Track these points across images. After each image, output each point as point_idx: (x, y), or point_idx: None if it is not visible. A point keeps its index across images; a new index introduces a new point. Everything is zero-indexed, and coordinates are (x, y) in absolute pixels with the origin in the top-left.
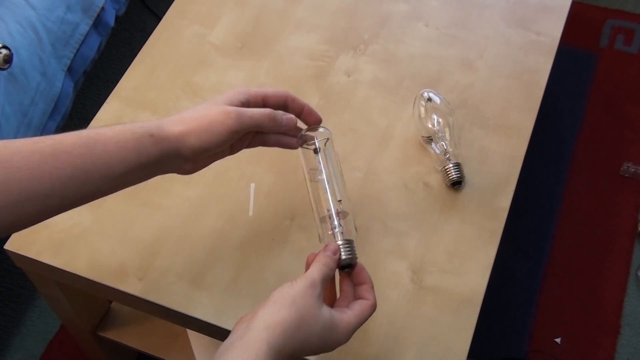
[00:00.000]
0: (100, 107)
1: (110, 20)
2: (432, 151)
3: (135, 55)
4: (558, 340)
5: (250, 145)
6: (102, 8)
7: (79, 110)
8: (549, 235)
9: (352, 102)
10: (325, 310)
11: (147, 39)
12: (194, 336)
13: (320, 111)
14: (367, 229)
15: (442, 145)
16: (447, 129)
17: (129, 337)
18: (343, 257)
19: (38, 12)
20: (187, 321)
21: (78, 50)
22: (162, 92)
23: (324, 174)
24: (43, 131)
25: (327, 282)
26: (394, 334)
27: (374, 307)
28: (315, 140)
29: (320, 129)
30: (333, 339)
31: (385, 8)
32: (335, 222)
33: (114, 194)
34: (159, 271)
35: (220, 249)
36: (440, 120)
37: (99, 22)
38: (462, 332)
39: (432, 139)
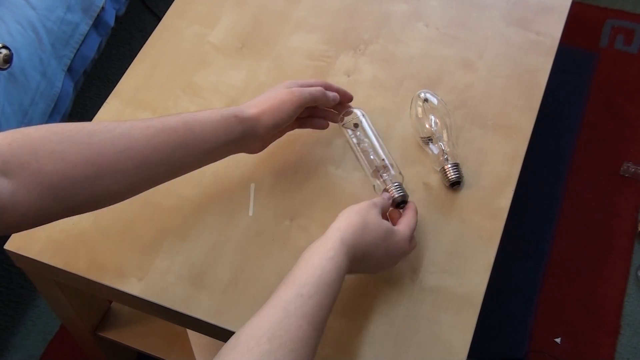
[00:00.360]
0: (100, 107)
1: (110, 20)
2: (430, 152)
3: (135, 55)
4: (558, 340)
5: (290, 128)
6: (102, 8)
7: (79, 110)
8: (549, 235)
9: (351, 102)
10: (385, 222)
11: (147, 39)
12: (194, 336)
13: None
14: None
15: (440, 145)
16: (444, 130)
17: (129, 337)
18: (396, 195)
19: (38, 12)
20: (187, 321)
21: (78, 50)
22: (162, 92)
23: (365, 141)
24: None
25: (383, 212)
26: (394, 334)
27: (415, 211)
28: (358, 116)
29: (356, 111)
30: (395, 244)
31: (385, 8)
32: (384, 173)
33: None
34: (159, 271)
35: (220, 249)
36: (437, 120)
37: (99, 22)
38: (462, 332)
39: (430, 140)
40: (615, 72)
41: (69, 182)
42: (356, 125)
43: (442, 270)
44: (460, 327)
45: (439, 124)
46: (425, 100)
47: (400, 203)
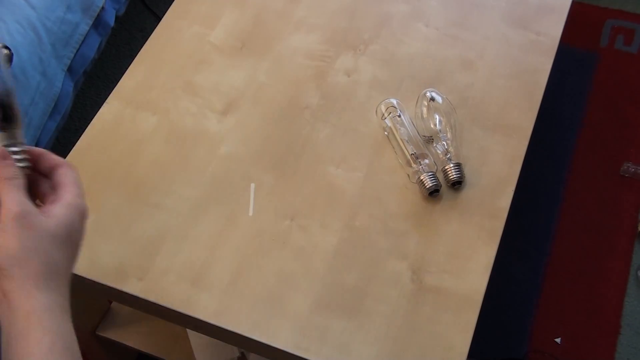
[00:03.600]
0: (100, 107)
1: (110, 20)
2: (434, 150)
3: (135, 55)
4: (558, 340)
5: None
6: (102, 8)
7: (79, 110)
8: (549, 235)
9: (352, 102)
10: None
11: (147, 39)
12: (194, 336)
13: (321, 111)
14: (367, 229)
15: (444, 145)
16: (448, 129)
17: (129, 337)
18: (430, 184)
19: (38, 12)
20: (187, 321)
21: (78, 50)
22: (162, 92)
23: (402, 130)
24: (43, 131)
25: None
26: (393, 334)
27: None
28: (394, 105)
29: (392, 100)
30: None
31: (385, 8)
32: (419, 161)
33: (114, 193)
34: (159, 271)
35: (220, 249)
36: (442, 119)
37: (99, 22)
38: (462, 332)
39: (432, 139)
40: (616, 72)
41: None
42: (400, 116)
43: (442, 270)
44: (460, 327)
45: (443, 123)
46: (432, 99)
47: (433, 192)
